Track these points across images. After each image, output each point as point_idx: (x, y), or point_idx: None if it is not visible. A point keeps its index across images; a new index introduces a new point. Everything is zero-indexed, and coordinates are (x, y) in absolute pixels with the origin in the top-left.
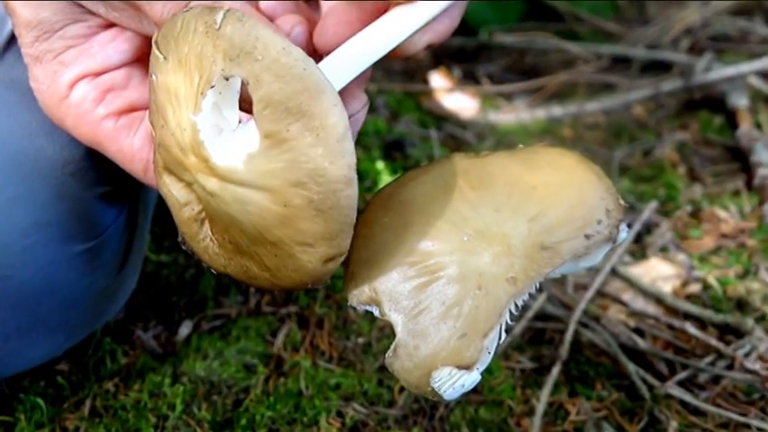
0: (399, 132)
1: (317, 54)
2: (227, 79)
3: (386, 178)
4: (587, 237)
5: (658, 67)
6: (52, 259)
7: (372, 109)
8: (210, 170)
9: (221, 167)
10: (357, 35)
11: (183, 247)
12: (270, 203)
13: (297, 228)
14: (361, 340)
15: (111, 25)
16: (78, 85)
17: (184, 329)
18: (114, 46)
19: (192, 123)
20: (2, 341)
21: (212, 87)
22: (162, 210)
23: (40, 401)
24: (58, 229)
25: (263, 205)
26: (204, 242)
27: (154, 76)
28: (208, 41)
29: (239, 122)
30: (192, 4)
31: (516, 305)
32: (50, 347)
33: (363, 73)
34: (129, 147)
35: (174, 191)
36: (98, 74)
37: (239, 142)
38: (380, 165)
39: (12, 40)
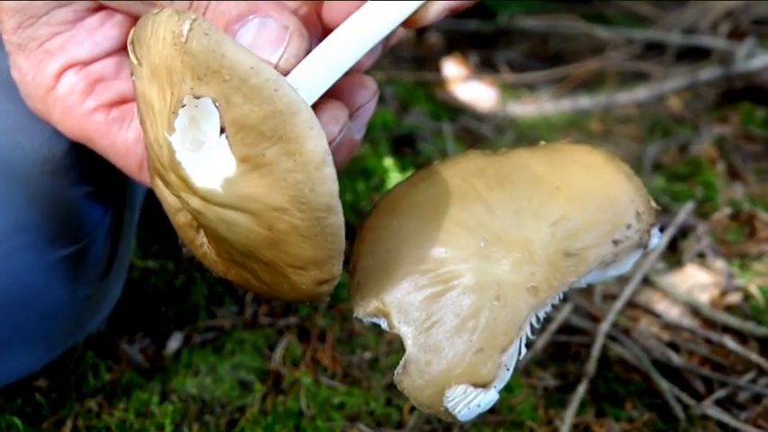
0: (409, 126)
1: (325, 32)
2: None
3: (394, 176)
4: (616, 242)
5: (696, 54)
6: (30, 266)
7: (380, 99)
8: (192, 190)
9: (201, 189)
10: (357, 11)
11: (184, 250)
12: (255, 226)
13: (285, 251)
14: (367, 355)
15: (98, 9)
16: (66, 75)
17: (174, 342)
18: (103, 32)
19: (167, 143)
20: None
21: (184, 106)
22: (149, 211)
23: (17, 421)
24: (36, 233)
25: (248, 227)
26: (202, 248)
27: (134, 78)
28: (176, 56)
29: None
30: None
31: (538, 317)
32: (28, 362)
33: (371, 52)
34: (122, 141)
35: (166, 196)
36: (86, 63)
37: (217, 163)
38: (388, 161)
39: None
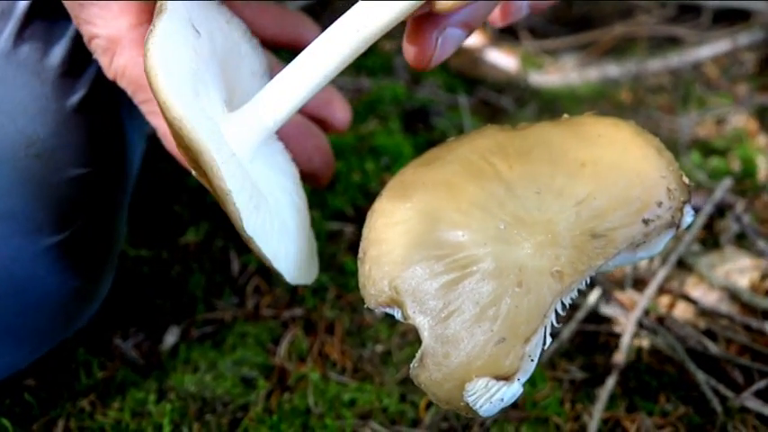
0: (422, 99)
1: None
2: None
3: (407, 155)
4: (646, 222)
5: (734, 16)
6: (16, 255)
7: (390, 71)
8: None
9: None
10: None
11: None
12: None
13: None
14: (379, 348)
15: None
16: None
17: (170, 337)
18: None
19: None
20: None
21: None
22: (141, 195)
23: (6, 422)
24: (22, 220)
25: None
26: None
27: None
28: None
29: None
30: None
31: (563, 304)
32: (15, 359)
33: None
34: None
35: None
36: None
37: None
38: (400, 139)
39: None
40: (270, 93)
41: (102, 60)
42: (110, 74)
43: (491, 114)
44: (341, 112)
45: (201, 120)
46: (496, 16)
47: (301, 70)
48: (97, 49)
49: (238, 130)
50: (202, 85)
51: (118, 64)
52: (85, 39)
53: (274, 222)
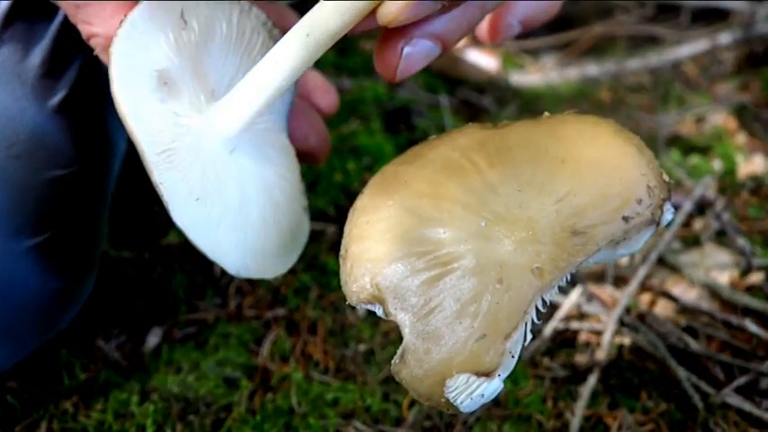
0: (403, 99)
1: None
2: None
3: (388, 155)
4: (626, 219)
5: (713, 16)
6: None
7: (370, 71)
8: None
9: None
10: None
11: None
12: None
13: None
14: (361, 347)
15: None
16: None
17: (153, 338)
18: None
19: None
20: None
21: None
22: (122, 196)
23: None
24: (2, 222)
25: None
26: None
27: None
28: None
29: None
30: None
31: (544, 301)
32: None
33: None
34: None
35: None
36: None
37: None
38: (380, 139)
39: None
40: (240, 89)
41: (103, 57)
42: None
43: (472, 114)
44: (323, 98)
45: (148, 114)
46: (484, 34)
47: (266, 70)
48: (97, 46)
49: (211, 123)
50: (177, 77)
51: None
52: (84, 36)
53: (226, 217)
